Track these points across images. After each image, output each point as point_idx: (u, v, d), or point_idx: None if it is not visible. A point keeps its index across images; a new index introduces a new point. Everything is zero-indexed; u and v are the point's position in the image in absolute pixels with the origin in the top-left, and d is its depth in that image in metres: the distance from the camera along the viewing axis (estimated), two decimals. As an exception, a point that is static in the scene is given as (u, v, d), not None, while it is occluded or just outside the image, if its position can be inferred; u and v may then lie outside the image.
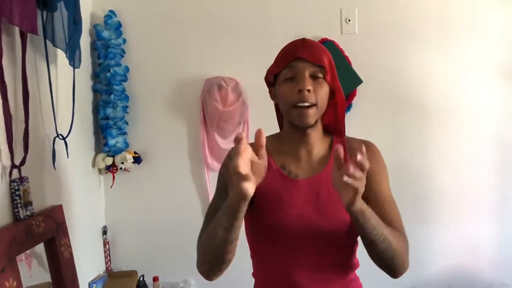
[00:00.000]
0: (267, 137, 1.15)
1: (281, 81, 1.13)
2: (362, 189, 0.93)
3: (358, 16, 2.14)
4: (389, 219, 1.11)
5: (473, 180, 2.18)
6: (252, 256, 1.22)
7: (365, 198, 1.07)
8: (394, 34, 2.14)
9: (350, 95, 2.09)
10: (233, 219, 0.94)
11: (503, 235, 2.20)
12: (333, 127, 1.21)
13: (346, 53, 2.10)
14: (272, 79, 1.17)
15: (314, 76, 1.10)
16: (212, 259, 1.04)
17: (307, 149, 1.15)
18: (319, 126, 1.16)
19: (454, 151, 2.17)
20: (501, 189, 2.18)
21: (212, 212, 1.11)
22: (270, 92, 1.21)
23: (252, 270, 1.24)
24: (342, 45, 2.10)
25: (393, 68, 2.14)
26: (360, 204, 0.96)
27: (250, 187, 0.86)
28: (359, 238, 1.13)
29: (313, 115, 1.09)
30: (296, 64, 1.10)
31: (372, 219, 0.99)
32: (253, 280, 1.25)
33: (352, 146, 1.16)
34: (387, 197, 1.15)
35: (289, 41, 2.25)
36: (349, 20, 2.13)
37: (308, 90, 1.07)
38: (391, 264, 1.06)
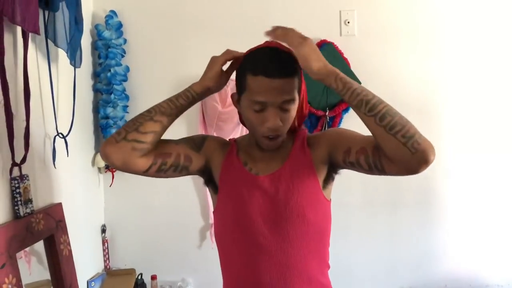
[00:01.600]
0: (239, 137, 1.28)
1: (246, 106, 1.09)
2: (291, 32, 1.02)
3: (357, 18, 2.16)
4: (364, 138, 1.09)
5: (470, 181, 2.19)
6: (220, 256, 1.23)
7: (347, 150, 1.08)
8: (393, 36, 2.16)
9: (348, 97, 2.11)
10: (185, 100, 1.18)
11: (499, 237, 2.21)
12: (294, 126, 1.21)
13: (345, 55, 2.12)
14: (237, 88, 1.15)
15: (283, 108, 1.06)
16: (132, 126, 1.13)
17: (270, 150, 1.17)
18: None
19: (452, 154, 2.18)
20: (498, 191, 2.20)
21: (169, 141, 1.23)
22: (232, 96, 1.19)
23: None
24: (341, 47, 2.12)
25: (391, 70, 2.16)
26: (321, 64, 1.01)
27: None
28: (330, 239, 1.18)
29: (279, 141, 1.12)
30: (266, 95, 1.04)
31: (353, 82, 1.01)
32: None
33: (311, 138, 1.18)
34: (357, 135, 1.12)
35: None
36: (348, 22, 2.15)
37: (279, 125, 1.07)
38: (411, 130, 0.98)
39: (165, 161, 1.15)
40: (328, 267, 1.21)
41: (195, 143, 1.23)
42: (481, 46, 2.15)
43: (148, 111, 1.15)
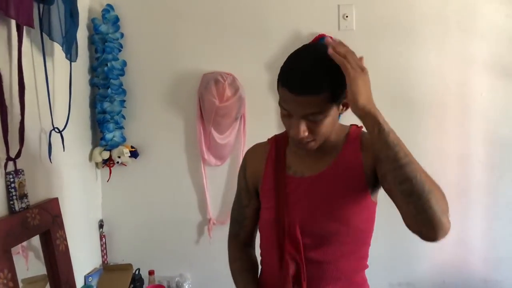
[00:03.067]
0: (279, 134, 1.24)
1: (281, 108, 1.05)
2: (352, 63, 0.93)
3: (355, 12, 2.14)
4: None
5: (467, 177, 2.18)
6: (260, 245, 1.26)
7: (382, 176, 1.03)
8: (391, 31, 2.14)
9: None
10: None
11: (497, 232, 2.21)
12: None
13: (343, 49, 2.10)
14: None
15: (310, 120, 1.00)
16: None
17: (316, 150, 1.11)
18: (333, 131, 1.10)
19: (448, 148, 2.17)
20: (495, 186, 2.19)
21: (232, 218, 1.33)
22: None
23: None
24: (339, 42, 2.10)
25: (390, 64, 2.15)
26: (366, 102, 0.93)
27: None
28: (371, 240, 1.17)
29: (314, 145, 1.06)
30: (290, 106, 1.00)
31: (391, 133, 0.93)
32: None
33: (366, 141, 1.11)
34: None
35: (286, 38, 2.25)
36: (347, 16, 2.13)
37: (303, 136, 1.01)
38: (426, 206, 0.91)
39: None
40: (366, 267, 1.21)
41: (246, 190, 1.26)
42: (479, 42, 2.14)
43: None
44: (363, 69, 0.95)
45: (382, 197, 2.23)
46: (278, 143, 1.21)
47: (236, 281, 1.24)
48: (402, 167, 0.92)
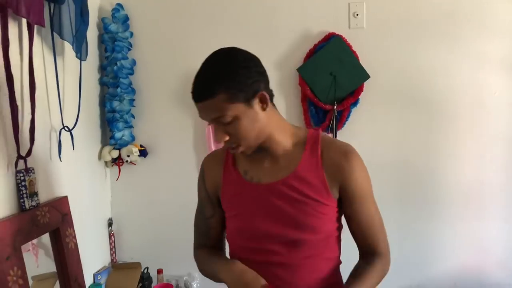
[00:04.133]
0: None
1: None
2: None
3: (366, 10, 2.12)
4: (375, 242, 1.14)
5: (481, 178, 2.15)
6: (229, 254, 1.26)
7: (348, 216, 1.13)
8: (402, 29, 2.12)
9: (357, 90, 2.08)
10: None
11: (511, 235, 2.17)
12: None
13: (354, 48, 2.08)
14: None
15: (222, 123, 1.03)
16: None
17: (271, 154, 1.12)
18: (277, 131, 1.09)
19: (462, 148, 2.14)
20: (510, 188, 2.15)
21: (197, 229, 1.34)
22: None
23: None
24: (349, 40, 2.08)
25: (401, 63, 2.12)
26: None
27: None
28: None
29: (244, 149, 1.07)
30: (199, 114, 1.08)
31: None
32: None
33: (329, 154, 1.09)
34: (370, 217, 1.13)
35: (296, 36, 2.25)
36: (357, 15, 2.11)
37: (224, 141, 1.05)
38: None
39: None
40: (339, 263, 1.21)
41: (208, 201, 1.26)
42: (493, 39, 2.10)
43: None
44: None
45: (392, 201, 2.21)
46: None
47: (210, 268, 1.20)
48: None
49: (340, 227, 1.17)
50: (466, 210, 2.16)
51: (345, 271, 1.19)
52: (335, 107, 2.07)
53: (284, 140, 1.10)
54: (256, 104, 1.04)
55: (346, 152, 1.10)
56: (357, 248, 1.20)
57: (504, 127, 2.12)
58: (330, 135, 2.10)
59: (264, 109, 1.06)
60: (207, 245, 1.28)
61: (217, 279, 1.15)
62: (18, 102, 1.38)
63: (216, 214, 1.23)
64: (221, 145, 1.08)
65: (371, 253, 1.15)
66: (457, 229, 2.15)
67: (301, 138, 1.12)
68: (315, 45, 2.10)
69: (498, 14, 2.09)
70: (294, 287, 1.11)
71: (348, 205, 1.11)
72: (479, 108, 2.12)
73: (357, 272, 1.10)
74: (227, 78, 1.00)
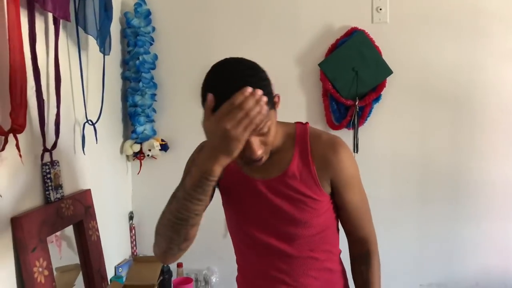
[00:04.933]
0: None
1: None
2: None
3: (389, 4, 2.08)
4: (361, 227, 1.19)
5: (506, 176, 2.10)
6: (234, 250, 1.28)
7: (339, 206, 1.16)
8: (426, 23, 2.07)
9: (379, 86, 2.05)
10: (208, 187, 0.95)
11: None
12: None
13: (377, 43, 2.05)
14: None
15: (261, 133, 0.99)
16: (174, 236, 1.00)
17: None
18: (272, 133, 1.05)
19: (486, 146, 2.09)
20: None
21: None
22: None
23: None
24: (372, 35, 2.05)
25: (425, 58, 2.08)
26: None
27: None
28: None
29: (265, 158, 1.05)
30: None
31: None
32: None
33: (315, 146, 1.10)
34: (357, 204, 1.16)
35: (317, 31, 2.19)
36: (380, 9, 2.08)
37: (261, 153, 1.00)
38: None
39: None
40: (339, 252, 1.25)
41: None
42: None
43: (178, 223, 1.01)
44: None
45: (414, 199, 2.18)
46: None
47: (174, 198, 1.05)
48: None
49: (337, 218, 1.20)
50: (490, 209, 2.11)
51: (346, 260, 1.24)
52: (356, 102, 2.04)
53: (276, 137, 1.09)
54: (274, 107, 1.03)
55: (334, 144, 1.11)
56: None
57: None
58: (351, 131, 2.08)
59: (276, 108, 1.06)
60: None
61: (195, 193, 0.97)
62: (44, 96, 1.41)
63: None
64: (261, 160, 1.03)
65: (362, 244, 1.20)
66: (480, 228, 2.11)
67: (291, 134, 1.13)
68: (337, 40, 2.07)
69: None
70: (294, 277, 1.14)
71: (338, 195, 1.13)
72: (505, 105, 2.07)
73: (364, 280, 1.19)
74: (262, 85, 0.96)
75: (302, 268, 1.14)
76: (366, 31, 2.06)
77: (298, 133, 1.13)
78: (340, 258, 1.25)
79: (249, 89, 0.89)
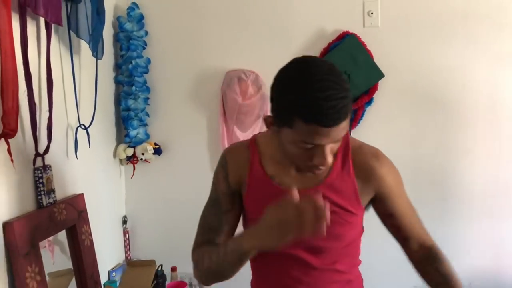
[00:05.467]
0: (259, 136, 1.14)
1: (289, 141, 0.94)
2: None
3: (381, 9, 2.10)
4: (415, 229, 1.15)
5: (497, 178, 2.12)
6: (251, 263, 1.18)
7: (389, 214, 1.13)
8: (417, 28, 2.09)
9: (371, 89, 2.06)
10: (245, 261, 1.00)
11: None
12: None
13: (368, 47, 2.07)
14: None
15: (336, 142, 0.95)
16: (218, 276, 1.07)
17: None
18: None
19: (478, 147, 2.12)
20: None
21: (206, 225, 1.15)
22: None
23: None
24: (364, 39, 2.07)
25: (416, 62, 2.10)
26: None
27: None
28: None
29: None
30: (320, 140, 0.91)
31: None
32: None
33: (358, 157, 1.06)
34: (407, 209, 1.14)
35: (310, 35, 2.18)
36: (372, 13, 2.10)
37: (329, 163, 0.96)
38: None
39: None
40: (359, 263, 1.20)
41: (228, 194, 1.13)
42: (510, 38, 2.07)
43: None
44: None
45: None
46: (260, 147, 1.11)
47: (222, 253, 1.03)
48: None
49: (362, 231, 1.17)
50: (482, 210, 2.13)
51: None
52: (349, 106, 2.06)
53: None
54: None
55: (377, 156, 1.09)
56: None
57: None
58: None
59: None
60: (214, 242, 1.11)
61: (234, 259, 0.99)
62: (36, 100, 1.40)
63: (234, 209, 1.13)
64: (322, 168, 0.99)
65: (422, 245, 1.17)
66: (472, 229, 2.13)
67: None
68: (329, 44, 2.09)
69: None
70: None
71: (386, 206, 1.11)
72: (495, 108, 2.09)
73: (443, 275, 1.17)
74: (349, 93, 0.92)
75: (323, 280, 1.09)
76: (358, 35, 2.07)
77: (339, 147, 1.04)
78: (359, 270, 1.20)
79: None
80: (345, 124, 0.90)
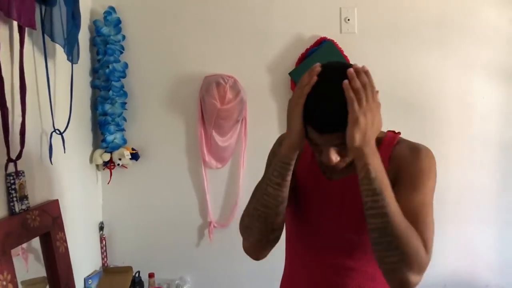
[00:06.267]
0: None
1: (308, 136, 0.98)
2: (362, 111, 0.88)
3: (357, 15, 2.14)
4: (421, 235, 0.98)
5: (471, 181, 2.18)
6: (286, 252, 1.19)
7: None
8: (393, 34, 2.14)
9: (348, 95, 2.09)
10: (285, 171, 0.99)
11: (500, 237, 2.20)
12: None
13: (345, 53, 2.10)
14: None
15: (341, 146, 0.94)
16: (262, 227, 1.03)
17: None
18: None
19: (453, 152, 2.17)
20: (500, 191, 2.18)
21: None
22: None
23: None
24: (341, 45, 2.10)
25: (392, 68, 2.14)
26: (361, 144, 0.89)
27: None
28: None
29: (343, 164, 1.00)
30: (318, 141, 0.95)
31: (376, 180, 0.90)
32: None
33: (399, 150, 1.05)
34: (415, 208, 1.00)
35: (287, 41, 2.21)
36: (349, 20, 2.13)
37: (336, 162, 0.96)
38: (390, 259, 0.92)
39: None
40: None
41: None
42: (482, 45, 2.13)
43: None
44: (377, 106, 0.94)
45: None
46: None
47: (261, 188, 1.03)
48: (379, 216, 0.91)
49: None
50: (456, 213, 2.18)
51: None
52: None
53: None
54: None
55: (418, 147, 1.05)
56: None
57: (493, 131, 2.15)
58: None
59: None
60: None
61: (277, 176, 1.00)
62: (9, 105, 1.37)
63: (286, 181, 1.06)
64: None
65: None
66: (447, 232, 2.17)
67: (379, 139, 1.04)
68: (307, 49, 2.11)
69: (485, 21, 2.13)
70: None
71: (402, 189, 1.00)
72: (468, 113, 2.15)
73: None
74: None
75: (358, 282, 1.07)
76: (335, 41, 2.11)
77: (386, 139, 1.07)
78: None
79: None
80: (343, 134, 0.91)
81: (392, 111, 2.19)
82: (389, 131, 1.13)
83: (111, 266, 2.21)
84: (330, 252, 1.08)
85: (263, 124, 2.16)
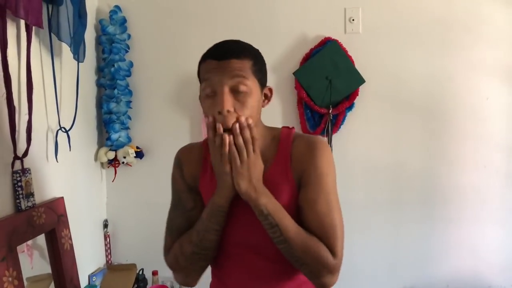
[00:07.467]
0: (204, 143, 1.16)
1: (202, 97, 1.04)
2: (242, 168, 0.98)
3: (362, 15, 2.14)
4: (331, 239, 1.01)
5: (474, 182, 2.17)
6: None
7: (304, 206, 1.04)
8: (398, 34, 2.14)
9: (352, 95, 2.09)
10: (221, 218, 1.04)
11: (504, 238, 2.19)
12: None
13: (349, 53, 2.10)
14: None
15: (236, 91, 0.99)
16: (205, 264, 1.12)
17: None
18: (257, 123, 1.04)
19: (456, 152, 2.16)
20: (503, 192, 2.17)
21: (174, 227, 1.20)
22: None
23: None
24: (345, 45, 2.10)
25: (396, 68, 2.14)
26: (248, 190, 0.98)
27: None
28: None
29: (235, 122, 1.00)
30: (213, 75, 1.01)
31: (269, 216, 0.98)
32: None
33: (297, 148, 1.07)
34: (321, 209, 1.02)
35: (292, 40, 2.24)
36: (353, 20, 2.13)
37: (228, 111, 0.98)
38: (303, 271, 1.02)
39: None
40: None
41: (188, 192, 1.17)
42: (487, 46, 2.13)
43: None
44: (252, 159, 1.00)
45: (386, 203, 2.22)
46: (206, 152, 1.14)
47: (193, 233, 1.09)
48: (280, 242, 1.00)
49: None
50: (460, 214, 2.18)
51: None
52: (330, 111, 2.08)
53: (261, 140, 1.07)
54: (262, 95, 1.07)
55: (313, 142, 1.07)
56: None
57: (497, 131, 2.15)
58: (325, 138, 2.11)
59: (263, 105, 1.09)
60: None
61: (213, 222, 1.05)
62: (16, 103, 1.39)
63: (197, 207, 1.14)
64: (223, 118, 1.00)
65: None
66: (450, 232, 2.17)
67: (276, 137, 1.10)
68: (311, 50, 2.11)
69: (491, 21, 2.11)
70: (274, 286, 1.10)
71: (304, 192, 1.04)
72: (472, 113, 2.14)
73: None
74: (257, 52, 1.08)
75: (279, 277, 1.09)
76: (339, 41, 2.10)
77: (282, 137, 1.09)
78: None
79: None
80: (239, 64, 1.00)
81: (397, 110, 2.21)
82: (283, 127, 1.15)
83: (115, 263, 2.23)
84: (249, 258, 1.09)
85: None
